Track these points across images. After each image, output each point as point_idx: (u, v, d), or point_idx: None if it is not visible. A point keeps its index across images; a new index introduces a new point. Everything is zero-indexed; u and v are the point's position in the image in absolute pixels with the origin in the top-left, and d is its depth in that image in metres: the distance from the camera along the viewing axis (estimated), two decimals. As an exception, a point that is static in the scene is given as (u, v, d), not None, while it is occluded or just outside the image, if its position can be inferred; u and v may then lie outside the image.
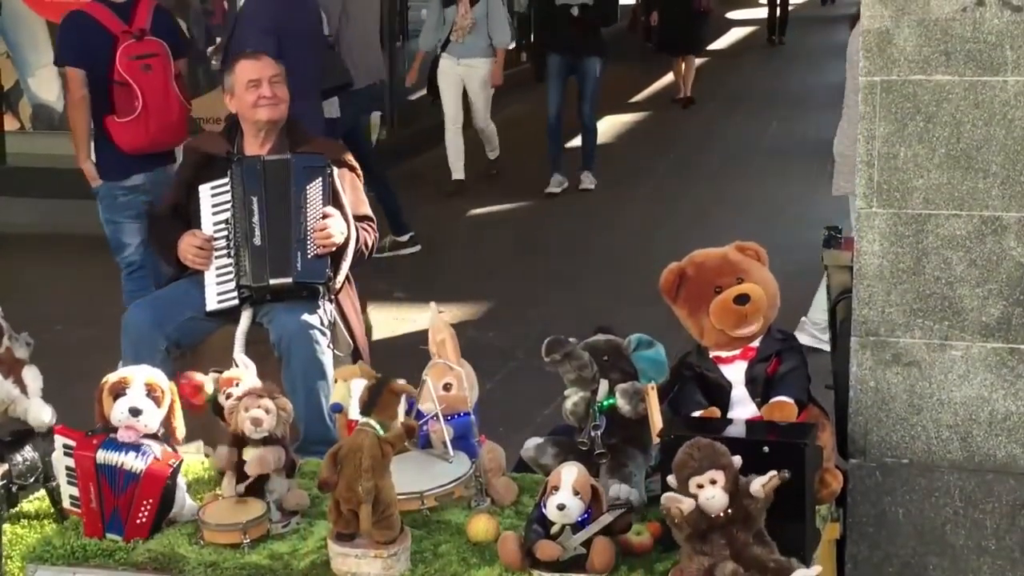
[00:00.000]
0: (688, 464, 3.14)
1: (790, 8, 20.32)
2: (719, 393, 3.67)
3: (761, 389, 3.64)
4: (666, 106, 15.11)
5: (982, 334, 3.69)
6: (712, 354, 3.71)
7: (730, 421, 3.60)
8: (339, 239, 4.73)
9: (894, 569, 3.85)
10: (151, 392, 3.56)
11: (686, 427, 3.49)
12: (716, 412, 3.61)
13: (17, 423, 3.97)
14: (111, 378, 3.59)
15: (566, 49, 10.69)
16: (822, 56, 17.77)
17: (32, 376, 3.98)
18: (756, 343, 3.68)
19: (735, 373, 3.68)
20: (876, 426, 3.81)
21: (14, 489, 3.88)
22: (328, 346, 4.70)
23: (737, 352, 3.68)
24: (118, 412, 3.52)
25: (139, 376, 3.59)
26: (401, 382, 3.45)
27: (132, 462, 3.49)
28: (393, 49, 12.48)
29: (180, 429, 3.65)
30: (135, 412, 3.52)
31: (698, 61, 15.33)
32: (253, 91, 4.89)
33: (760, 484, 3.11)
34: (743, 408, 3.64)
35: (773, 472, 3.12)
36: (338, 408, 3.88)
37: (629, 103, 15.53)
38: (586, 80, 10.76)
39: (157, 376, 3.62)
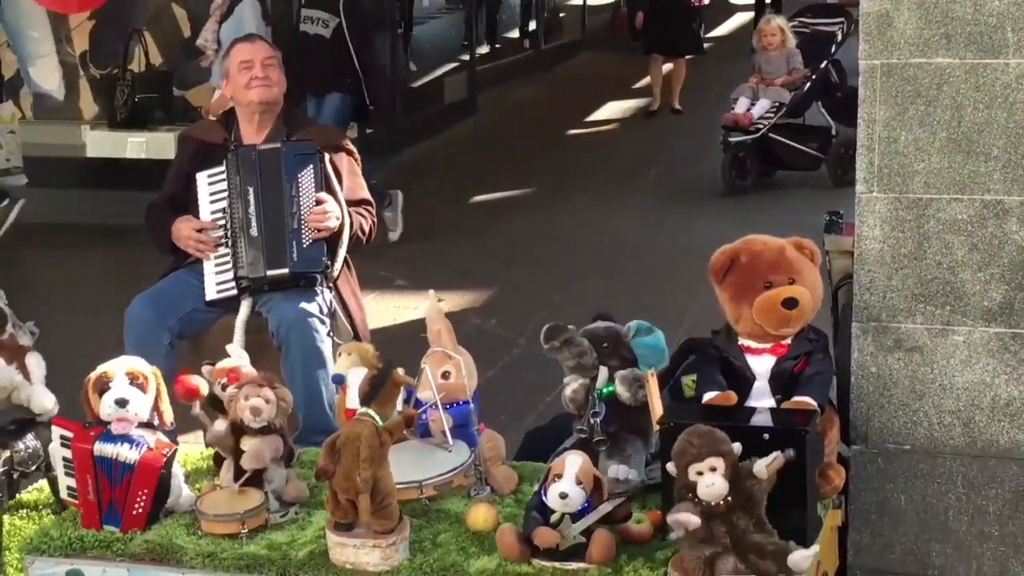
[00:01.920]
0: (687, 451, 3.12)
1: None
2: (741, 383, 3.61)
3: (784, 386, 3.58)
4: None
5: (984, 319, 3.67)
6: (741, 342, 3.64)
7: (742, 408, 3.55)
8: (334, 223, 4.71)
9: (896, 556, 3.83)
10: (134, 380, 3.56)
11: (686, 414, 3.47)
12: (732, 396, 3.57)
13: (20, 411, 3.97)
14: (92, 375, 3.60)
15: (310, 83, 8.90)
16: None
17: (36, 363, 3.99)
18: (788, 340, 3.62)
19: (761, 366, 3.61)
20: (878, 412, 3.79)
21: (15, 476, 3.88)
22: (328, 334, 4.69)
23: (768, 346, 3.61)
24: (105, 407, 3.52)
25: (119, 367, 3.58)
26: (402, 372, 3.43)
27: (127, 453, 3.48)
28: (395, 36, 12.46)
29: (167, 414, 3.64)
30: (122, 403, 3.52)
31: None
32: (245, 72, 4.87)
33: (764, 464, 3.09)
34: (761, 402, 3.58)
35: (777, 452, 3.10)
36: (339, 379, 3.88)
37: (632, 89, 15.48)
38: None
39: (137, 364, 3.61)
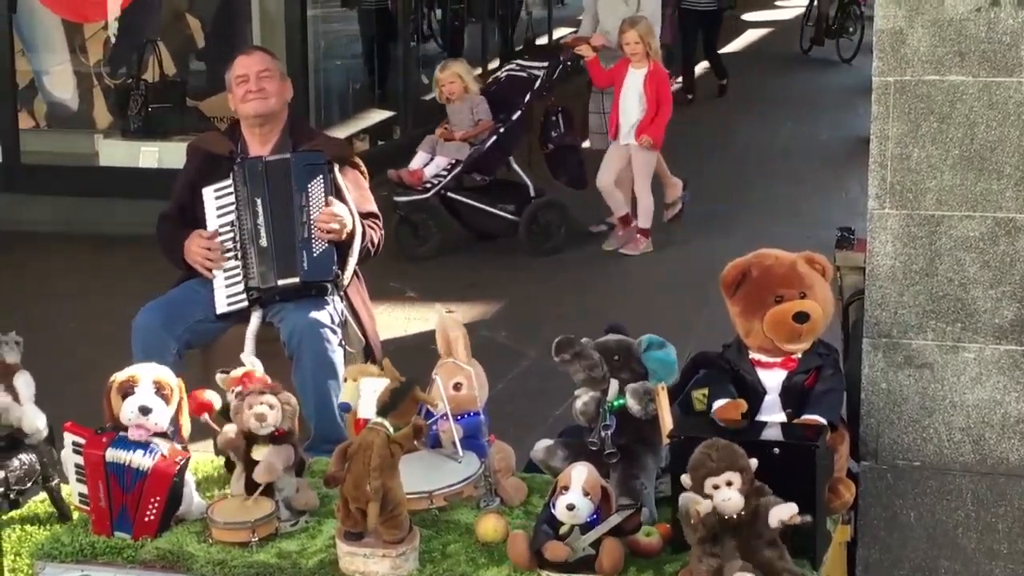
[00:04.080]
0: (705, 464, 3.12)
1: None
2: (751, 397, 3.60)
3: (795, 400, 3.58)
4: (678, 108, 14.84)
5: (995, 336, 3.67)
6: (752, 356, 3.63)
7: (752, 422, 3.55)
8: (342, 226, 4.71)
9: (905, 572, 3.83)
10: (160, 390, 3.55)
11: (696, 427, 3.47)
12: (742, 404, 3.56)
13: (9, 428, 3.83)
14: (119, 376, 3.58)
15: None
16: (831, 60, 17.73)
17: (24, 382, 3.85)
18: (798, 354, 3.60)
19: (772, 380, 3.60)
20: (888, 428, 3.79)
21: (12, 496, 3.81)
22: (340, 344, 4.69)
23: (778, 360, 3.60)
24: (128, 411, 3.51)
25: (147, 374, 3.57)
26: (424, 392, 3.44)
27: (140, 460, 3.48)
28: (408, 50, 12.49)
29: (186, 427, 3.65)
30: (145, 411, 3.51)
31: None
32: (242, 86, 4.89)
33: (779, 519, 3.08)
34: (772, 416, 3.57)
35: (795, 508, 3.09)
36: (346, 408, 3.87)
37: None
38: None
39: (165, 374, 3.61)
